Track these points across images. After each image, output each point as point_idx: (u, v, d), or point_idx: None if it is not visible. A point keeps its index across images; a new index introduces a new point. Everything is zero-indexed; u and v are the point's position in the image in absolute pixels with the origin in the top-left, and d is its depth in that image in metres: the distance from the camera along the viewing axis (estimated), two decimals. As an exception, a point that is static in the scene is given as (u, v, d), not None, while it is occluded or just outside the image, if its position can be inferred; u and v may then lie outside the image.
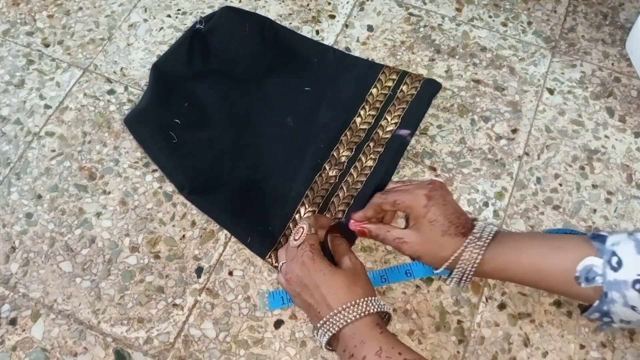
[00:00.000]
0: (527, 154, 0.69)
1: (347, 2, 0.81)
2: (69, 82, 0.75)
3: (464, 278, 0.55)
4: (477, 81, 0.74)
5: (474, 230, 0.55)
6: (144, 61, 0.76)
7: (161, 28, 0.79)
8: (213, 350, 0.58)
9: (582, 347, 0.58)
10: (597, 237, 0.51)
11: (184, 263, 0.62)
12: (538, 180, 0.67)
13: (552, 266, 0.52)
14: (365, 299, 0.51)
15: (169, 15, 0.81)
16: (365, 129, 0.68)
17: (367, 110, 0.70)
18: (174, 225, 0.65)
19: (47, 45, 0.78)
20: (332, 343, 0.52)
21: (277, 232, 0.62)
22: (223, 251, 0.63)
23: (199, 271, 0.62)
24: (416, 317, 0.59)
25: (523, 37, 0.78)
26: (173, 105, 0.70)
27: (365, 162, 0.66)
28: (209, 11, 0.80)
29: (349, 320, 0.50)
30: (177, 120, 0.69)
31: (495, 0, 0.82)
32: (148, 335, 0.59)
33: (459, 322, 0.59)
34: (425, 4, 0.81)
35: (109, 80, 0.75)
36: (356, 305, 0.50)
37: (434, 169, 0.68)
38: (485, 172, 0.68)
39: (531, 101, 0.73)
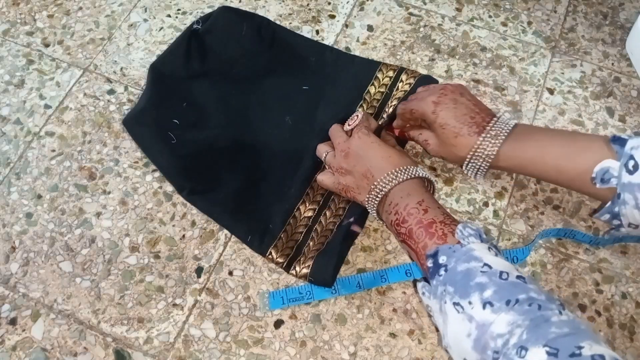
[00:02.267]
0: (527, 153, 0.69)
1: (347, 2, 0.81)
2: (69, 82, 0.75)
3: (479, 171, 0.59)
4: (477, 81, 0.74)
5: (489, 127, 0.57)
6: (144, 61, 0.76)
7: (161, 28, 0.79)
8: (213, 350, 0.58)
9: (582, 347, 0.58)
10: (618, 140, 0.52)
11: (184, 263, 0.62)
12: (538, 180, 0.67)
13: (573, 167, 0.54)
14: (415, 166, 0.57)
15: (169, 15, 0.81)
16: None
17: (365, 108, 0.70)
18: (174, 225, 0.65)
19: (47, 45, 0.78)
20: (379, 209, 0.57)
21: (278, 229, 0.62)
22: (223, 251, 0.63)
23: (199, 271, 0.62)
24: (416, 317, 0.59)
25: (523, 37, 0.78)
26: (171, 105, 0.70)
27: None
28: (209, 11, 0.80)
29: (401, 179, 0.55)
30: (175, 121, 0.69)
31: (495, 0, 0.82)
32: (148, 335, 0.59)
33: (459, 322, 0.59)
34: (425, 3, 0.81)
35: (109, 80, 0.75)
36: (407, 168, 0.56)
37: (434, 169, 0.68)
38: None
39: (531, 101, 0.73)
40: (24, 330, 0.59)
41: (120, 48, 0.77)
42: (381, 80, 0.72)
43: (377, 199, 0.56)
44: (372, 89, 0.71)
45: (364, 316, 0.59)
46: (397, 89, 0.71)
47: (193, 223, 0.65)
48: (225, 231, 0.64)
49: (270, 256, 0.61)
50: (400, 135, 0.66)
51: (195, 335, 0.59)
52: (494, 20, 0.80)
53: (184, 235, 0.64)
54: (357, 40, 0.78)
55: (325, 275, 0.59)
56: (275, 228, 0.63)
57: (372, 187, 0.56)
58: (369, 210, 0.59)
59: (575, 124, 0.71)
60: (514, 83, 0.74)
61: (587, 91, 0.74)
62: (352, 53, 0.76)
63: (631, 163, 0.49)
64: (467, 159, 0.58)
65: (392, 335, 0.59)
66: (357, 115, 0.63)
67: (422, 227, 0.51)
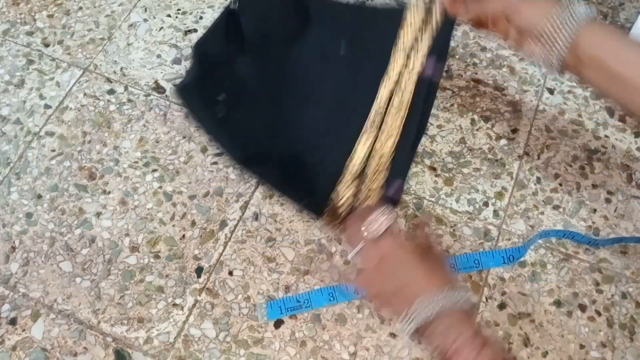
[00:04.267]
0: (527, 153, 0.69)
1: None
2: (69, 81, 0.75)
3: (554, 55, 0.51)
4: (477, 81, 0.74)
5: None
6: (143, 61, 0.76)
7: (161, 28, 0.79)
8: (213, 350, 0.58)
9: (582, 347, 0.58)
10: None
11: (184, 263, 0.62)
12: (538, 180, 0.67)
13: None
14: (462, 287, 0.48)
15: (168, 15, 0.81)
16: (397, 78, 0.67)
17: (401, 55, 0.67)
18: (174, 225, 0.65)
19: (47, 45, 0.78)
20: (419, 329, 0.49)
21: (328, 192, 0.61)
22: (223, 251, 0.63)
23: (199, 271, 0.62)
24: (416, 317, 0.59)
25: (523, 37, 0.78)
26: (214, 84, 0.70)
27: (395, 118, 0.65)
28: (209, 11, 0.80)
29: (447, 305, 0.47)
30: (219, 99, 0.69)
31: (495, 0, 0.82)
32: (148, 335, 0.59)
33: (459, 322, 0.59)
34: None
35: (108, 80, 0.75)
36: (457, 290, 0.48)
37: (434, 169, 0.68)
38: (485, 171, 0.68)
39: (531, 101, 0.73)
40: (24, 330, 0.59)
41: (120, 48, 0.77)
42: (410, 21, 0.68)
43: (423, 316, 0.47)
44: (401, 33, 0.67)
45: (364, 316, 0.59)
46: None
47: (193, 223, 0.65)
48: (225, 231, 0.64)
49: (327, 217, 0.60)
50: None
51: (195, 335, 0.59)
52: (494, 20, 0.80)
53: (184, 235, 0.64)
54: (357, 40, 0.78)
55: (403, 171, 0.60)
56: (325, 191, 0.61)
57: (416, 304, 0.47)
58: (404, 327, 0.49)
59: (575, 123, 0.71)
60: (514, 83, 0.74)
61: (587, 91, 0.74)
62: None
63: None
64: (544, 34, 0.50)
65: (392, 335, 0.59)
66: (380, 218, 0.53)
67: None
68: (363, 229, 0.53)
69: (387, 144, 0.63)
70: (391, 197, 0.61)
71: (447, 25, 0.67)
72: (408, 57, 0.66)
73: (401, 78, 0.65)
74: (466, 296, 0.48)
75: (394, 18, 0.71)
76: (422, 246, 0.53)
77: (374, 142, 0.62)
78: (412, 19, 0.67)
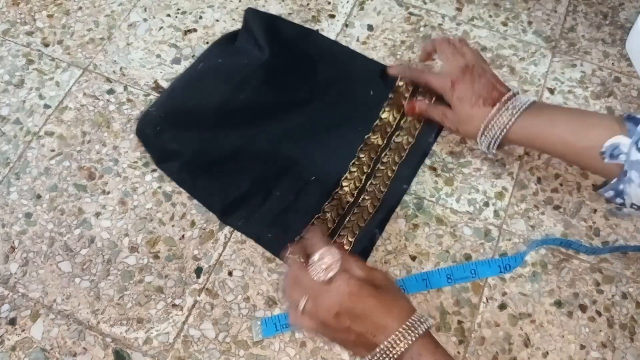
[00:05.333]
0: (527, 153, 0.69)
1: (347, 2, 0.81)
2: (69, 81, 0.75)
3: (492, 142, 0.60)
4: (478, 81, 0.74)
5: (506, 98, 0.59)
6: (143, 61, 0.76)
7: (161, 28, 0.79)
8: (213, 351, 0.58)
9: (582, 347, 0.58)
10: (631, 119, 0.52)
11: (183, 263, 0.62)
12: (538, 180, 0.67)
13: (581, 141, 0.55)
14: (419, 316, 0.48)
15: (168, 15, 0.80)
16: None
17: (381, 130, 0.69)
18: (173, 225, 0.64)
19: (46, 45, 0.78)
20: None
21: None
22: (222, 251, 0.63)
23: (199, 271, 0.62)
24: (416, 317, 0.59)
25: (523, 37, 0.78)
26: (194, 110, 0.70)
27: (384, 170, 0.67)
28: (208, 11, 0.80)
29: (412, 340, 0.46)
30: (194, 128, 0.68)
31: (495, 0, 0.82)
32: (147, 335, 0.59)
33: (460, 322, 0.59)
34: (425, 3, 0.81)
35: (108, 80, 0.75)
36: (416, 323, 0.47)
37: (435, 169, 0.68)
38: (486, 171, 0.68)
39: (531, 101, 0.73)
40: (23, 330, 0.59)
41: (119, 48, 0.77)
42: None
43: None
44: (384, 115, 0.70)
45: (363, 316, 0.59)
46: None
47: (192, 223, 0.65)
48: (225, 231, 0.64)
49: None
50: (410, 109, 0.68)
51: (195, 336, 0.58)
52: (494, 20, 0.80)
53: (183, 236, 0.64)
54: (357, 40, 0.78)
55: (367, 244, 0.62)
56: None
57: (378, 351, 0.47)
58: None
59: (576, 123, 0.71)
60: (515, 83, 0.74)
61: (588, 91, 0.73)
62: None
63: None
64: (482, 129, 0.60)
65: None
66: (327, 258, 0.49)
67: None
68: (310, 271, 0.49)
69: (366, 203, 0.65)
70: (359, 251, 0.62)
71: None
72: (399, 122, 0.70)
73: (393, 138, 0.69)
74: (426, 323, 0.48)
75: (385, 76, 0.73)
76: (377, 280, 0.50)
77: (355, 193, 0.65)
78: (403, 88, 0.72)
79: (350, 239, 0.62)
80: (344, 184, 0.65)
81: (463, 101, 0.61)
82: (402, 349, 0.46)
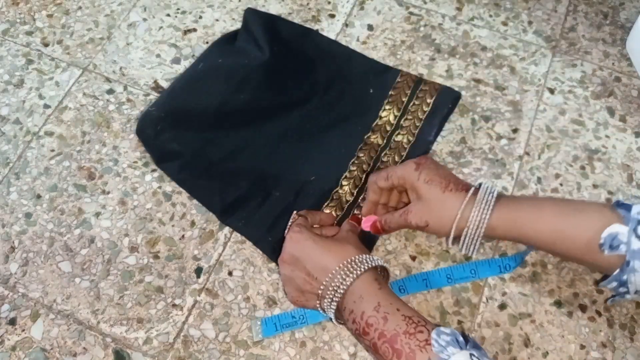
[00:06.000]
0: (527, 153, 0.69)
1: (347, 1, 0.81)
2: (68, 81, 0.75)
3: (474, 243, 0.54)
4: (478, 80, 0.74)
5: (473, 192, 0.54)
6: (143, 60, 0.76)
7: (160, 27, 0.79)
8: (213, 351, 0.58)
9: (582, 347, 0.58)
10: (622, 205, 0.50)
11: (183, 263, 0.62)
12: (539, 180, 0.67)
13: (573, 231, 0.50)
14: (359, 255, 0.51)
15: (168, 15, 0.80)
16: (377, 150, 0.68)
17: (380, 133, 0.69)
18: (173, 225, 0.64)
19: (46, 45, 0.78)
20: (336, 314, 0.52)
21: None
22: (222, 251, 0.63)
23: (199, 271, 0.62)
24: (416, 317, 0.59)
25: (523, 37, 0.78)
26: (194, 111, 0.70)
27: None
28: (208, 10, 0.80)
29: (351, 279, 0.48)
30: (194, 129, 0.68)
31: (495, 0, 0.82)
32: (147, 335, 0.59)
33: (460, 322, 0.59)
34: (425, 3, 0.81)
35: (108, 80, 0.75)
36: (354, 261, 0.50)
37: (434, 169, 0.68)
38: (486, 171, 0.68)
39: (532, 101, 0.73)
40: (23, 330, 0.59)
41: (119, 47, 0.77)
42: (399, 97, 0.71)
43: (332, 306, 0.50)
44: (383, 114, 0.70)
45: (363, 316, 0.59)
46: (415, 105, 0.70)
47: (192, 223, 0.65)
48: (225, 231, 0.64)
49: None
50: (373, 229, 0.60)
51: (195, 336, 0.58)
52: (494, 20, 0.80)
53: (183, 236, 0.64)
54: (357, 40, 0.78)
55: None
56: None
57: (320, 291, 0.50)
58: (329, 317, 0.53)
59: (576, 123, 0.71)
60: (515, 82, 0.74)
61: (588, 91, 0.73)
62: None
63: None
64: (460, 226, 0.53)
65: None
66: (293, 216, 0.58)
67: (387, 343, 0.46)
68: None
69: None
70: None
71: (450, 95, 0.71)
72: (399, 121, 0.69)
73: (392, 136, 0.69)
74: (367, 261, 0.50)
75: (385, 75, 0.73)
76: (329, 232, 0.58)
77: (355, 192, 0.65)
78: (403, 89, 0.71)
79: None
80: (344, 183, 0.65)
81: (433, 184, 0.54)
82: (342, 290, 0.48)
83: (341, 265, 0.49)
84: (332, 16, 0.80)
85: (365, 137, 0.69)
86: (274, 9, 0.80)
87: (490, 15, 0.80)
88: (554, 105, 0.72)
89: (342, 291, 0.49)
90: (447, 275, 0.61)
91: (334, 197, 0.64)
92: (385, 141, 0.68)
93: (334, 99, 0.72)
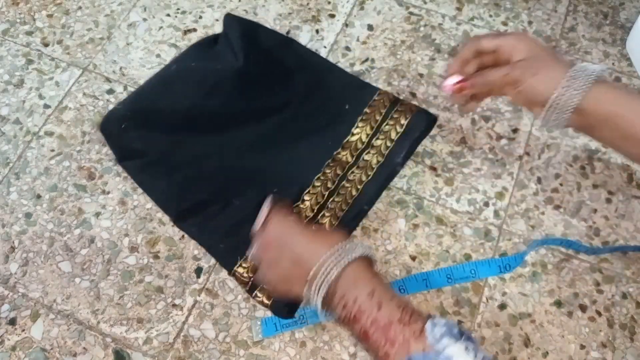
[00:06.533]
0: (527, 153, 0.69)
1: (347, 1, 0.81)
2: (68, 81, 0.75)
3: (560, 119, 0.51)
4: (478, 81, 0.74)
5: (572, 70, 0.50)
6: (143, 60, 0.76)
7: (160, 27, 0.79)
8: (212, 351, 0.58)
9: (582, 347, 0.58)
10: None
11: (183, 263, 0.62)
12: (539, 180, 0.67)
13: None
14: (352, 241, 0.49)
15: (168, 15, 0.80)
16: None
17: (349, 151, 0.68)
18: (173, 225, 0.64)
19: (46, 45, 0.78)
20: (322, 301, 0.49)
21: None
22: (223, 251, 0.63)
23: (199, 271, 0.62)
24: (416, 317, 0.59)
25: (523, 37, 0.78)
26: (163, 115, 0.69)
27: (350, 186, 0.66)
28: (208, 10, 0.80)
29: (345, 262, 0.47)
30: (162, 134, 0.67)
31: (495, 0, 0.82)
32: (147, 335, 0.59)
33: (460, 322, 0.59)
34: (425, 3, 0.81)
35: (108, 80, 0.75)
36: (344, 247, 0.48)
37: (435, 169, 0.68)
38: (486, 171, 0.68)
39: (531, 101, 0.73)
40: (23, 330, 0.59)
41: (119, 47, 0.77)
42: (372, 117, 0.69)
43: (323, 290, 0.47)
44: (355, 130, 0.68)
45: (363, 316, 0.59)
46: (389, 126, 0.68)
47: (193, 223, 0.65)
48: (225, 231, 0.64)
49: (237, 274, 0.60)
50: (458, 91, 0.56)
51: (195, 336, 0.58)
52: (494, 20, 0.80)
53: (183, 236, 0.64)
54: (357, 40, 0.78)
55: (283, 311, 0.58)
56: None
57: (311, 276, 0.47)
58: (310, 305, 0.49)
59: (576, 123, 0.71)
60: (515, 83, 0.74)
61: (588, 91, 0.73)
62: (352, 52, 0.76)
63: None
64: (550, 102, 0.50)
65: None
66: (264, 210, 0.54)
67: (380, 330, 0.44)
68: (254, 226, 0.54)
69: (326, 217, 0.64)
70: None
71: (425, 119, 0.68)
72: (371, 140, 0.67)
73: (362, 154, 0.67)
74: (359, 248, 0.48)
75: (363, 92, 0.71)
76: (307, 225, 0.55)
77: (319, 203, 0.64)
78: (381, 103, 0.69)
79: None
80: (306, 198, 0.64)
81: (545, 50, 0.52)
82: (336, 272, 0.46)
83: (333, 249, 0.48)
84: (332, 16, 0.80)
85: (335, 153, 0.67)
86: (274, 9, 0.80)
87: (490, 15, 0.80)
88: (554, 105, 0.72)
89: (335, 273, 0.47)
90: (447, 275, 0.61)
91: (294, 212, 0.63)
92: (354, 159, 0.66)
93: (309, 111, 0.70)
